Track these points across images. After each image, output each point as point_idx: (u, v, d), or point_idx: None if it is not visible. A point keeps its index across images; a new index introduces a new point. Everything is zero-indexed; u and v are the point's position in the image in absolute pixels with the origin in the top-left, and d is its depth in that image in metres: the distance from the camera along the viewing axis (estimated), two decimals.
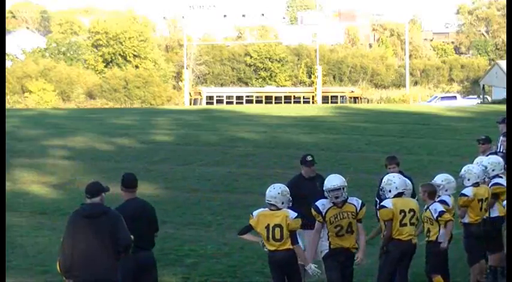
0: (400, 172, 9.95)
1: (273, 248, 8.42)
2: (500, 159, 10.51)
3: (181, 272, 10.82)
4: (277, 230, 8.36)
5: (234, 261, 11.67)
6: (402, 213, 8.83)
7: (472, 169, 9.97)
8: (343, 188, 8.41)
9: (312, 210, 8.54)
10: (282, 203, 8.47)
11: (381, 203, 8.99)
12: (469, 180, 9.86)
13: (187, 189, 18.30)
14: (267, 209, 8.50)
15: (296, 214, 8.45)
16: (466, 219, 9.82)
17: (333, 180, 8.47)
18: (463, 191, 9.88)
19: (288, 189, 8.59)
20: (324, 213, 8.46)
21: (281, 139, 27.17)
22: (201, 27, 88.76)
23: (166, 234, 12.40)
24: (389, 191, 8.92)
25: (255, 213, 8.54)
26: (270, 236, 8.38)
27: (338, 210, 8.44)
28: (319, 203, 8.51)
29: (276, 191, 8.48)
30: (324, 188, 8.52)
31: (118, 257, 7.70)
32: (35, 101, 61.98)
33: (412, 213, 8.87)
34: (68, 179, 19.81)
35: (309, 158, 10.04)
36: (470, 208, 9.77)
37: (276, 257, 8.47)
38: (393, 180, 9.00)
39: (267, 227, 8.38)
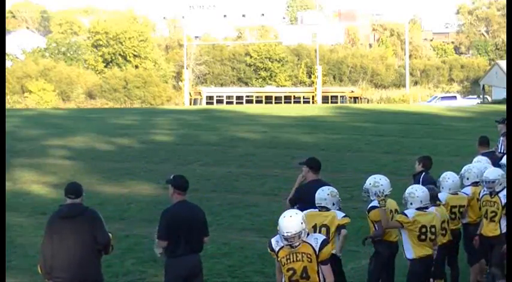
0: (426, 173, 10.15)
1: None
2: (477, 168, 10.37)
3: None
4: (324, 230, 8.30)
5: (234, 261, 11.67)
6: (390, 214, 8.83)
7: (472, 168, 9.97)
8: (299, 236, 6.89)
9: (267, 246, 7.30)
10: (333, 204, 8.44)
11: (371, 205, 8.82)
12: (468, 179, 9.86)
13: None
14: (316, 209, 8.47)
15: (343, 214, 8.44)
16: (466, 219, 9.82)
17: (288, 226, 6.88)
18: (462, 190, 9.89)
19: (336, 190, 8.59)
20: (276, 252, 7.08)
21: (281, 139, 27.17)
22: (201, 27, 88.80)
23: None
24: (375, 194, 8.67)
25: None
26: None
27: (291, 250, 6.97)
28: (274, 239, 7.12)
29: (325, 192, 8.45)
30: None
31: (100, 256, 7.70)
32: (35, 101, 61.99)
33: (395, 213, 8.89)
34: (68, 179, 19.74)
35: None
36: (469, 207, 9.76)
37: None
38: (380, 183, 8.84)
39: (314, 227, 8.28)
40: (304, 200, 9.33)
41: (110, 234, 7.72)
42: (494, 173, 9.39)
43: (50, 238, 7.56)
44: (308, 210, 8.37)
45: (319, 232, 8.23)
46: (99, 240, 7.58)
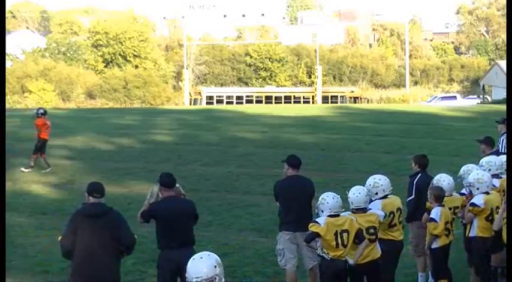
0: (424, 173, 10.07)
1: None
2: (497, 159, 10.44)
3: None
4: (372, 231, 8.51)
5: (234, 261, 11.65)
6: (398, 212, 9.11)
7: (472, 169, 9.95)
8: (215, 279, 5.59)
9: None
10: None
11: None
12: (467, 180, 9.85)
13: (187, 189, 18.17)
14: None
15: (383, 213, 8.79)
16: (466, 220, 9.81)
17: (196, 270, 5.55)
18: (462, 191, 9.88)
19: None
20: None
21: (281, 139, 27.16)
22: (201, 27, 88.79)
23: None
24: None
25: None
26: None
27: None
28: None
29: (363, 193, 8.57)
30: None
31: (121, 256, 7.72)
32: (35, 101, 61.92)
33: (396, 212, 9.11)
34: (68, 179, 19.81)
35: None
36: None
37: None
38: (380, 183, 8.98)
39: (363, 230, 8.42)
40: (282, 195, 9.82)
41: (135, 236, 7.76)
42: (471, 176, 9.41)
43: (73, 235, 7.53)
44: (348, 213, 8.42)
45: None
46: (124, 241, 7.60)
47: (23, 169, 20.84)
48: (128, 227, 7.72)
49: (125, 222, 7.73)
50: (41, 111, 21.51)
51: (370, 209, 8.70)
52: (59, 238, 7.71)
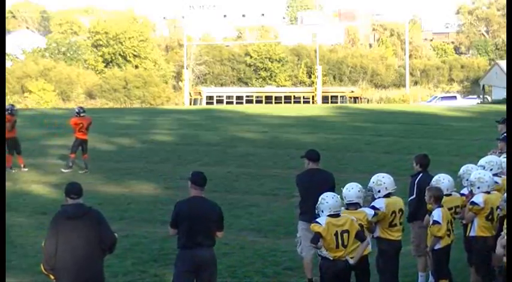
0: (425, 172, 10.04)
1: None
2: (498, 159, 10.45)
3: None
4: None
5: (234, 261, 11.66)
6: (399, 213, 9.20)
7: (471, 169, 9.96)
8: None
9: None
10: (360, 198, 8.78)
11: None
12: (467, 180, 9.84)
13: (188, 189, 18.25)
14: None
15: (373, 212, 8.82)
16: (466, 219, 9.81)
17: None
18: (462, 191, 9.88)
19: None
20: None
21: (281, 139, 27.18)
22: (201, 27, 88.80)
23: (166, 234, 12.37)
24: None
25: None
26: None
27: None
28: None
29: (356, 189, 8.68)
30: None
31: (103, 255, 7.70)
32: (35, 101, 61.97)
33: (398, 213, 9.19)
34: (68, 179, 19.74)
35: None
36: None
37: None
38: (383, 181, 9.12)
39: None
40: (300, 186, 10.12)
41: (115, 234, 7.73)
42: (473, 175, 9.44)
43: (55, 238, 7.47)
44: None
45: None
46: (106, 240, 7.56)
47: (80, 171, 20.70)
48: (108, 225, 7.66)
49: (105, 221, 7.67)
50: (77, 110, 21.54)
51: (376, 204, 8.91)
52: (42, 244, 7.63)
